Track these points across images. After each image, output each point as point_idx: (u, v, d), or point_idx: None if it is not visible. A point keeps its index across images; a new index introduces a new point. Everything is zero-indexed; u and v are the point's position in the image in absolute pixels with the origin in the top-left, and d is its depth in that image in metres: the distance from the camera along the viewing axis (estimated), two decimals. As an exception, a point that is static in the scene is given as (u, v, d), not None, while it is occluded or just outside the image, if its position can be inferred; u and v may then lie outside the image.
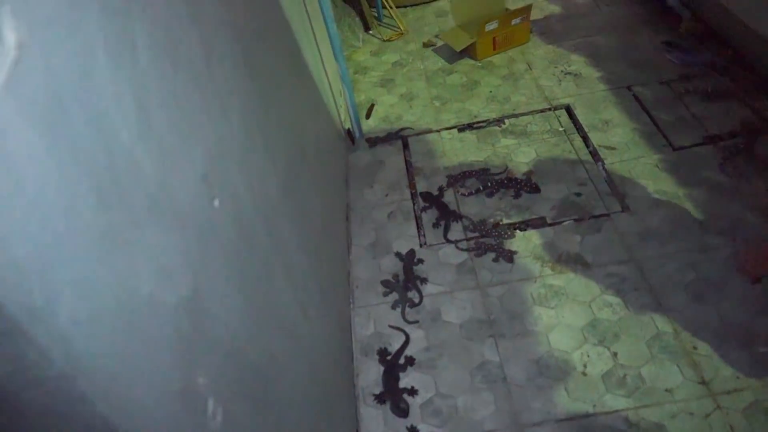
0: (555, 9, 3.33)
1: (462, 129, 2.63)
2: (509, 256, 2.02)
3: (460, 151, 2.51)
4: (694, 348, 1.67)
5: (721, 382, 1.59)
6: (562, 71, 2.85)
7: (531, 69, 2.90)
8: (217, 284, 0.89)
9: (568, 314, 1.82)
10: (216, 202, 0.93)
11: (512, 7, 3.10)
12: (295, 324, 1.30)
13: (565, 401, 1.62)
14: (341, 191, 2.38)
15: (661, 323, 1.75)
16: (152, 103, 0.77)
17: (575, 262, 1.97)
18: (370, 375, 1.78)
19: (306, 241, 1.55)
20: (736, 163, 2.15)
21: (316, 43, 2.37)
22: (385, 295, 1.99)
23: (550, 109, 2.63)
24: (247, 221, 1.07)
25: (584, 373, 1.67)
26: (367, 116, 2.82)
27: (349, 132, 2.68)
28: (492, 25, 2.90)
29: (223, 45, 1.12)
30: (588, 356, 1.71)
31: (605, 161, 2.31)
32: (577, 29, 3.11)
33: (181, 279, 0.77)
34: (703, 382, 1.60)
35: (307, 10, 2.28)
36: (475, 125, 2.63)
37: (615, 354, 1.70)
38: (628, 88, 2.62)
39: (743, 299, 1.76)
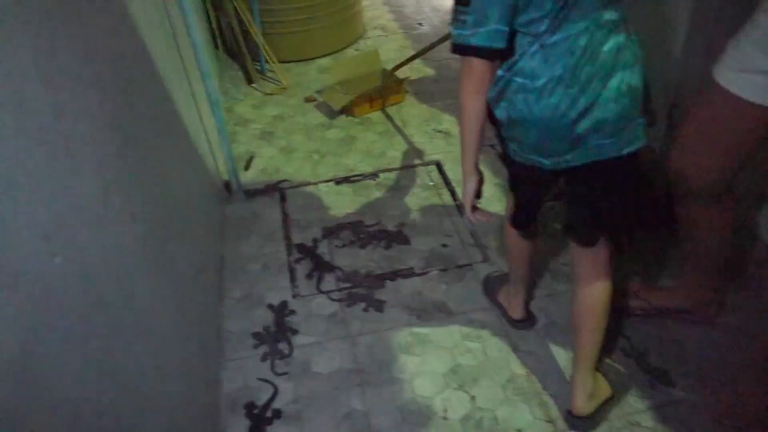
0: (429, 71, 3.56)
1: (339, 182, 2.72)
2: (379, 306, 2.10)
3: (335, 203, 2.60)
4: (544, 388, 1.81)
5: (564, 421, 1.72)
6: (433, 129, 3.04)
7: (405, 126, 3.07)
8: (53, 344, 0.88)
9: (432, 361, 1.91)
10: (57, 260, 0.93)
11: (389, 67, 3.28)
12: (149, 384, 1.28)
13: (427, 446, 1.69)
14: (215, 243, 2.37)
15: (516, 366, 1.88)
16: (-16, 163, 0.77)
17: (440, 310, 2.08)
18: (237, 430, 1.76)
19: (169, 297, 1.54)
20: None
21: (194, 96, 2.39)
22: (256, 347, 1.99)
23: (421, 165, 2.79)
24: (95, 278, 1.06)
25: (445, 418, 1.75)
26: (246, 168, 2.85)
27: (227, 183, 2.69)
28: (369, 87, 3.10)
29: (78, 102, 1.12)
30: (449, 401, 1.80)
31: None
32: (449, 91, 3.34)
33: (7, 340, 0.76)
34: (550, 421, 1.73)
35: (184, 66, 2.30)
36: (351, 179, 2.73)
37: (473, 397, 1.80)
38: (492, 146, 2.83)
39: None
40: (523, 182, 1.58)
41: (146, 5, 1.83)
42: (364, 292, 2.16)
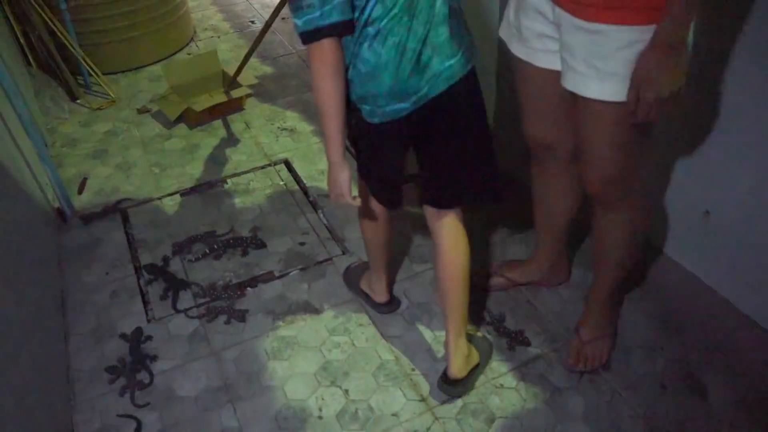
0: (268, 69, 3.50)
1: (185, 194, 2.59)
2: (241, 316, 2.03)
3: (184, 216, 2.47)
4: (413, 369, 1.85)
5: (436, 395, 1.77)
6: (278, 128, 2.98)
7: (249, 128, 2.99)
8: None
9: (302, 362, 1.88)
10: None
11: (228, 69, 3.17)
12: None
13: (306, 449, 1.66)
14: (52, 278, 2.16)
15: (384, 352, 1.90)
16: None
17: (305, 310, 2.05)
18: (100, 475, 1.62)
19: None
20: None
21: (2, 120, 2.16)
22: (111, 382, 1.85)
23: (270, 165, 2.73)
24: None
25: (320, 417, 1.73)
26: (80, 192, 2.63)
27: (59, 210, 2.47)
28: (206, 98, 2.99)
29: None
30: (323, 399, 1.78)
31: (324, 209, 2.46)
32: (290, 87, 3.30)
33: None
34: (422, 399, 1.76)
35: (-16, 87, 2.07)
36: (197, 189, 2.61)
37: (346, 391, 1.79)
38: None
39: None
40: (384, 148, 1.53)
41: None
42: (224, 304, 2.07)
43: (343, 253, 2.26)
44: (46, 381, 1.71)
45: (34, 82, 3.19)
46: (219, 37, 3.89)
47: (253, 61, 3.54)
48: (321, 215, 2.44)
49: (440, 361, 1.85)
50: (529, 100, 1.64)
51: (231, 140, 2.91)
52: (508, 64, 1.70)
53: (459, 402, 1.75)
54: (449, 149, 1.53)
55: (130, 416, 1.74)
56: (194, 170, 2.72)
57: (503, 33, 1.59)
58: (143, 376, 1.86)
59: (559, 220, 1.86)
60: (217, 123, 3.03)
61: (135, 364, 1.88)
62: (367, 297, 2.04)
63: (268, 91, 3.28)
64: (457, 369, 1.72)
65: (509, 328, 1.94)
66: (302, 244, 2.32)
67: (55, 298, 2.09)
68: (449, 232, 1.64)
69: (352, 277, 2.11)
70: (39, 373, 1.67)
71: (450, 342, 1.71)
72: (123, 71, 3.50)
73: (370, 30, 1.30)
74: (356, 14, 1.29)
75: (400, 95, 1.37)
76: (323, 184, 2.55)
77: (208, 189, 2.61)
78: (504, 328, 1.93)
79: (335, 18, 1.23)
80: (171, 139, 2.94)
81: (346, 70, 1.35)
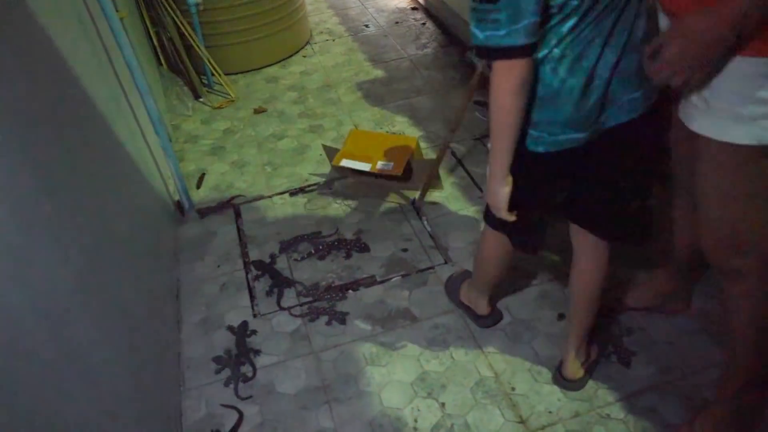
0: (379, 73, 3.53)
1: (294, 193, 2.66)
2: (342, 318, 2.05)
3: (292, 215, 2.54)
4: (512, 389, 1.79)
5: (536, 419, 1.70)
6: (387, 131, 3.00)
7: (357, 129, 3.02)
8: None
9: (399, 370, 1.88)
10: (-29, 315, 0.86)
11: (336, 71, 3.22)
12: (97, 430, 1.22)
13: (399, 459, 1.65)
14: (169, 267, 2.29)
15: (483, 368, 1.85)
16: None
17: (404, 317, 2.05)
18: (203, 461, 1.70)
19: (115, 334, 1.47)
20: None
21: (135, 116, 2.31)
22: (218, 372, 1.93)
23: (377, 169, 2.75)
24: (22, 328, 0.99)
25: (415, 428, 1.72)
26: (198, 186, 2.77)
27: (178, 204, 2.61)
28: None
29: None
30: (418, 410, 1.76)
31: (428, 216, 2.44)
32: (399, 92, 3.31)
33: None
34: (521, 421, 1.70)
35: (121, 85, 2.22)
36: (306, 189, 2.68)
37: (443, 404, 1.77)
38: (446, 145, 2.81)
39: (551, 335, 1.92)
40: (538, 181, 1.40)
41: (69, 26, 1.75)
42: (325, 305, 2.11)
43: (446, 262, 2.23)
44: (160, 366, 1.81)
45: (163, 81, 3.40)
46: (333, 40, 3.97)
47: (365, 64, 3.59)
48: (425, 222, 2.42)
49: (542, 383, 1.78)
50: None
51: (340, 142, 2.95)
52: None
53: (560, 428, 1.67)
54: (612, 182, 1.41)
55: (233, 407, 1.81)
56: (304, 170, 2.79)
57: None
58: (247, 369, 1.92)
59: (685, 249, 1.73)
60: (328, 123, 3.10)
61: (240, 356, 1.95)
62: (467, 309, 2.00)
63: (378, 95, 3.30)
64: (573, 372, 1.75)
65: (620, 351, 1.83)
66: (405, 250, 2.31)
67: (171, 287, 2.21)
68: (594, 254, 1.57)
69: (453, 287, 2.07)
70: (155, 357, 1.77)
71: (569, 351, 1.73)
72: (242, 72, 3.66)
73: (556, 52, 1.18)
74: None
75: (579, 125, 1.25)
76: (430, 190, 2.53)
77: (315, 190, 2.67)
78: (619, 349, 1.83)
79: (521, 40, 1.11)
80: (283, 139, 3.03)
81: None
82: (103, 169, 1.76)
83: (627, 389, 1.75)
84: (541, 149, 1.30)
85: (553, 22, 1.15)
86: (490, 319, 1.97)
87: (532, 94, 1.22)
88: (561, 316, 1.97)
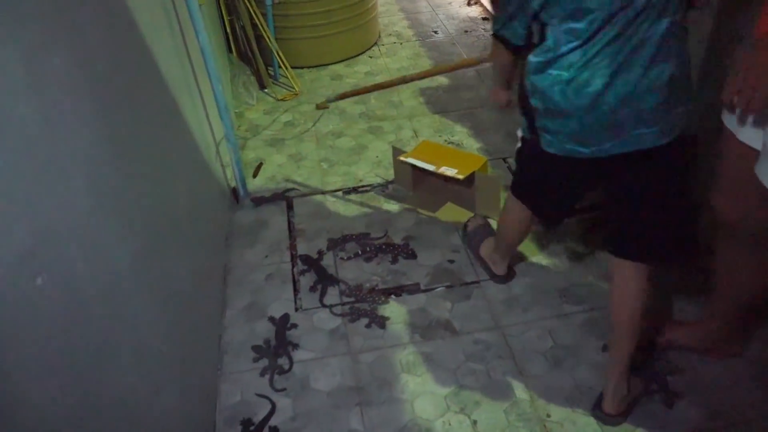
0: (443, 80, 3.52)
1: (347, 192, 2.68)
2: (382, 322, 2.05)
3: (343, 214, 2.56)
4: (548, 415, 1.75)
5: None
6: (445, 140, 2.99)
7: (417, 136, 3.03)
8: (34, 368, 0.85)
9: (434, 382, 1.86)
10: (39, 280, 0.89)
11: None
12: (144, 404, 1.25)
13: (425, 471, 1.64)
14: (220, 251, 2.34)
15: (520, 390, 1.82)
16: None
17: (444, 328, 2.03)
18: (232, 447, 1.72)
19: (166, 309, 1.51)
20: (596, 234, 2.31)
21: (203, 101, 2.37)
22: (255, 360, 1.95)
23: (431, 177, 2.74)
24: (81, 297, 1.03)
25: (445, 442, 1.70)
26: (255, 175, 2.82)
27: (234, 190, 2.66)
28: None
29: (74, 111, 1.09)
30: (450, 424, 1.74)
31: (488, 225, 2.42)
32: (462, 101, 3.30)
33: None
34: (553, 450, 1.67)
35: (193, 70, 2.28)
36: (359, 189, 2.69)
37: (475, 422, 1.74)
38: (504, 159, 2.78)
39: (595, 365, 1.87)
40: (555, 176, 1.60)
41: (151, 8, 1.80)
42: (367, 307, 2.11)
43: (491, 278, 2.21)
44: (203, 348, 1.84)
45: (231, 69, 3.47)
46: (401, 43, 3.99)
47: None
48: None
49: (579, 413, 1.74)
50: (724, 171, 1.49)
51: (399, 146, 2.96)
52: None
53: (595, 463, 1.63)
54: (632, 204, 1.49)
55: (267, 398, 1.83)
56: (359, 171, 2.81)
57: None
58: (284, 361, 1.94)
59: (743, 294, 1.67)
60: (388, 127, 3.11)
61: (278, 348, 1.97)
62: (485, 264, 2.18)
63: (440, 102, 3.30)
64: (614, 408, 1.70)
65: (665, 390, 1.77)
66: (451, 261, 2.29)
67: (219, 271, 2.26)
68: (629, 282, 1.59)
69: (475, 238, 2.25)
70: (198, 338, 1.81)
71: (609, 383, 1.69)
72: (309, 67, 3.71)
73: (565, 75, 1.31)
74: (549, 54, 1.33)
75: (583, 142, 1.37)
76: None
77: (369, 191, 2.68)
78: (663, 387, 1.77)
79: (506, 34, 1.48)
80: (342, 137, 3.06)
81: (533, 92, 1.42)
82: (169, 149, 1.80)
83: (668, 431, 1.69)
84: (552, 150, 1.45)
85: (562, 44, 1.30)
86: (506, 279, 2.16)
87: (545, 106, 1.39)
88: (605, 347, 1.92)
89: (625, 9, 1.21)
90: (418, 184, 2.63)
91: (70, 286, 0.99)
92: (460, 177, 2.33)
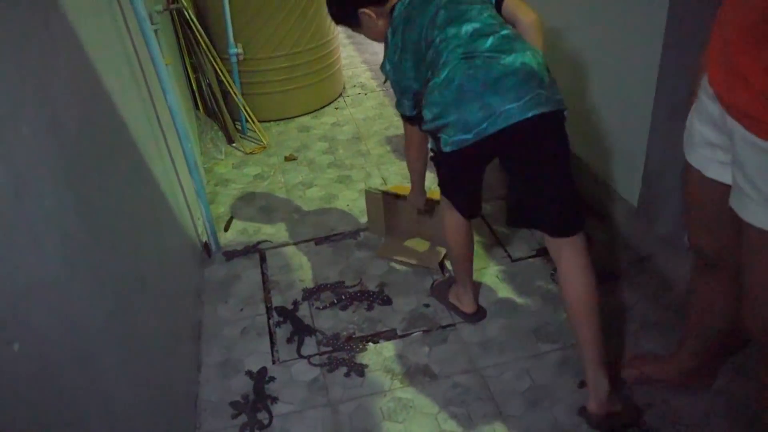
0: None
1: (319, 242, 2.70)
2: (360, 370, 2.04)
3: (316, 264, 2.57)
4: (531, 456, 1.75)
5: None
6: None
7: (386, 183, 3.08)
8: (6, 438, 0.83)
9: (416, 428, 1.85)
10: (16, 346, 0.89)
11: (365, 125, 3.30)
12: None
13: None
14: (193, 308, 2.32)
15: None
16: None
17: (423, 373, 2.03)
18: None
19: (139, 371, 1.48)
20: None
21: (171, 158, 2.38)
22: (234, 417, 1.92)
23: (402, 222, 2.78)
24: (54, 362, 1.02)
25: (430, 490, 1.68)
26: (226, 229, 2.82)
27: (206, 245, 2.66)
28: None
29: (43, 175, 1.10)
30: (434, 471, 1.73)
31: (452, 272, 2.44)
32: (428, 150, 3.36)
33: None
34: (538, 491, 1.66)
35: (162, 129, 2.30)
36: (332, 238, 2.71)
37: (459, 467, 1.73)
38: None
39: (572, 403, 1.88)
40: (459, 170, 1.86)
41: (119, 70, 1.83)
42: (345, 356, 2.10)
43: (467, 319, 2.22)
44: (178, 409, 1.81)
45: (199, 125, 3.51)
46: (366, 94, 4.08)
47: (395, 119, 3.67)
48: (448, 277, 2.42)
49: (561, 452, 1.75)
50: (695, 208, 1.53)
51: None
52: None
53: (578, 501, 1.63)
54: (523, 178, 1.74)
55: (247, 455, 1.79)
56: (330, 220, 2.83)
57: (685, 133, 1.48)
58: (263, 416, 1.91)
59: (715, 325, 1.71)
60: (357, 174, 3.15)
61: (257, 402, 1.94)
62: (456, 308, 2.23)
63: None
64: (597, 406, 1.75)
65: (646, 421, 1.79)
66: (427, 305, 2.31)
67: (193, 328, 2.23)
68: (568, 257, 1.73)
69: (440, 292, 2.32)
70: (172, 397, 1.78)
71: (589, 376, 1.76)
72: (276, 120, 3.77)
73: (436, 80, 1.64)
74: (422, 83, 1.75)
75: (464, 128, 1.60)
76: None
77: (341, 239, 2.70)
78: (640, 420, 1.79)
79: (405, 112, 1.91)
80: (312, 187, 3.09)
81: (423, 108, 1.72)
82: (139, 208, 1.81)
83: (649, 464, 1.71)
84: (448, 149, 1.65)
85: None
86: (476, 316, 2.21)
87: (430, 111, 1.67)
88: (582, 384, 1.94)
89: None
90: (391, 226, 2.67)
91: (43, 353, 0.98)
92: (434, 198, 2.38)
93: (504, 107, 1.55)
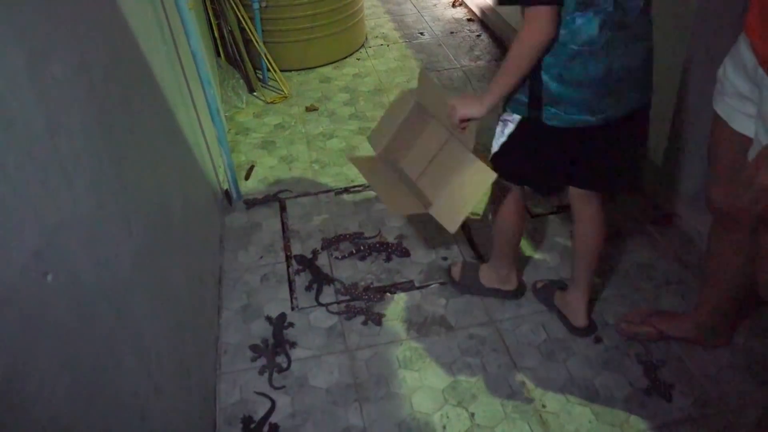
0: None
1: (339, 193, 2.71)
2: (378, 320, 2.08)
3: (335, 214, 2.58)
4: (543, 406, 1.79)
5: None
6: (435, 140, 3.01)
7: (407, 137, 3.05)
8: (42, 364, 0.86)
9: (431, 376, 1.89)
10: (49, 277, 0.91)
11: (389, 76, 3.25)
12: (144, 402, 1.26)
13: (425, 464, 1.67)
14: (214, 254, 2.35)
15: (515, 383, 1.86)
16: (-28, 183, 0.75)
17: (440, 324, 2.06)
18: (233, 445, 1.74)
19: (165, 310, 1.52)
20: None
21: (194, 105, 2.38)
22: (253, 360, 1.97)
23: (422, 176, 2.77)
24: (87, 296, 1.05)
25: (443, 435, 1.73)
26: (246, 178, 2.84)
27: (227, 193, 2.68)
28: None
29: (74, 116, 1.11)
30: (447, 417, 1.77)
31: (471, 227, 2.45)
32: (450, 101, 3.32)
33: (-6, 363, 0.75)
34: (550, 439, 1.70)
35: (185, 74, 2.29)
36: (351, 189, 2.71)
37: (472, 414, 1.77)
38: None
39: (587, 357, 1.91)
40: (550, 148, 1.67)
41: (144, 14, 1.82)
42: (363, 305, 2.13)
43: (485, 274, 2.24)
44: (201, 348, 1.86)
45: (220, 73, 3.49)
46: (388, 45, 4.02)
47: (417, 71, 3.61)
48: (466, 232, 2.43)
49: (573, 404, 1.78)
50: (716, 161, 1.52)
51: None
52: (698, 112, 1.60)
53: (589, 451, 1.66)
54: (607, 155, 1.67)
55: (266, 395, 1.85)
56: (350, 171, 2.83)
57: (717, 84, 1.48)
58: (282, 359, 1.96)
59: (733, 284, 1.71)
60: (377, 128, 3.13)
61: (276, 347, 1.99)
62: (497, 291, 2.12)
63: (429, 103, 3.32)
64: (582, 320, 1.96)
65: (660, 378, 1.81)
66: (445, 258, 2.33)
67: (214, 273, 2.27)
68: (591, 215, 1.81)
69: (469, 281, 2.16)
70: (196, 338, 1.82)
71: (577, 298, 1.95)
72: (297, 70, 3.73)
73: (586, 50, 1.45)
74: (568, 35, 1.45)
75: (592, 111, 1.52)
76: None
77: (361, 191, 2.70)
78: (655, 376, 1.81)
79: None
80: (333, 138, 3.08)
81: (552, 65, 1.49)
82: (164, 152, 1.82)
83: (660, 419, 1.73)
84: (554, 123, 1.56)
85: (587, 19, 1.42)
86: (520, 292, 2.14)
87: (559, 78, 1.49)
88: (598, 339, 1.96)
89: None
90: (392, 149, 1.99)
91: (77, 285, 1.01)
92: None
93: (632, 94, 1.56)
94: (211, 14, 3.40)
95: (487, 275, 2.11)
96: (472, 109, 1.62)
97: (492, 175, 1.64)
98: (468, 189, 1.70)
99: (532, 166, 1.74)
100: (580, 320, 1.97)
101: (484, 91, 1.59)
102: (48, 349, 0.88)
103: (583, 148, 1.65)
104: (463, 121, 1.66)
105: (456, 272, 2.20)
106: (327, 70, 3.74)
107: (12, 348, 0.79)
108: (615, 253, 2.25)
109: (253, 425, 1.77)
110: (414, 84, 3.43)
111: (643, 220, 2.40)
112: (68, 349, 0.94)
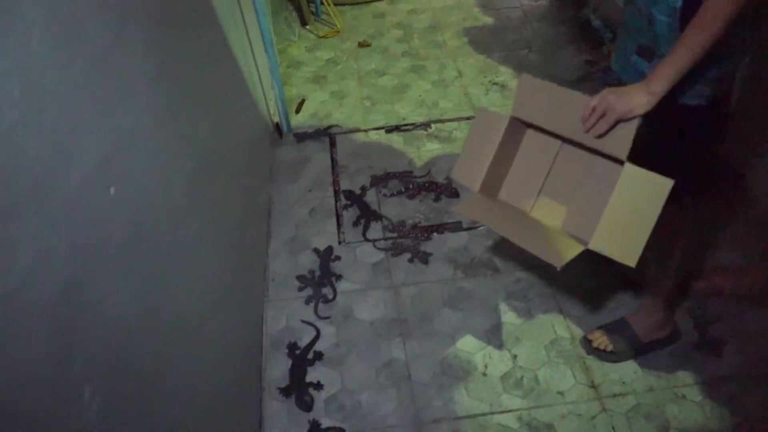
0: (488, 20, 3.42)
1: (389, 130, 2.67)
2: (424, 258, 2.07)
3: (385, 152, 2.55)
4: (588, 354, 1.77)
5: (608, 386, 1.69)
6: (490, 81, 2.93)
7: (461, 76, 2.97)
8: (106, 275, 0.89)
9: (475, 317, 1.89)
10: (112, 190, 0.92)
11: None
12: (199, 320, 1.30)
13: (465, 400, 1.69)
14: (264, 184, 2.37)
15: (560, 329, 1.84)
16: (42, 87, 0.75)
17: (486, 266, 2.05)
18: (278, 369, 1.79)
19: (219, 234, 1.55)
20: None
21: (248, 34, 2.35)
22: (300, 290, 2.00)
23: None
24: (147, 211, 1.06)
25: (485, 374, 1.74)
26: (297, 111, 2.82)
27: (277, 125, 2.68)
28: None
29: (134, 33, 1.10)
30: (490, 357, 1.78)
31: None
32: (507, 42, 3.21)
33: (62, 266, 0.76)
34: (592, 386, 1.69)
35: (239, 4, 2.26)
36: (402, 128, 2.67)
37: (515, 356, 1.78)
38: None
39: (635, 308, 1.87)
40: (685, 134, 1.39)
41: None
42: (410, 243, 2.13)
43: (535, 220, 2.20)
44: (249, 275, 1.90)
45: (273, 4, 3.43)
46: (446, -19, 3.87)
47: (474, 9, 3.49)
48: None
49: (619, 353, 1.76)
50: None
51: (441, 86, 2.92)
52: None
53: (632, 399, 1.65)
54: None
55: (312, 324, 1.89)
56: (402, 109, 2.78)
57: None
58: (328, 291, 1.99)
59: None
60: (431, 65, 3.06)
61: (322, 278, 2.02)
62: (653, 342, 1.75)
63: (485, 42, 3.22)
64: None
65: (711, 334, 1.77)
66: (494, 201, 2.29)
67: (264, 204, 2.29)
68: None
69: (623, 346, 1.74)
70: (245, 265, 1.86)
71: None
72: (351, 4, 3.64)
73: None
74: None
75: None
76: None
77: (411, 130, 2.66)
78: (705, 332, 1.77)
79: None
80: (384, 76, 3.02)
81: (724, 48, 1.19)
82: (219, 78, 1.81)
83: (708, 374, 1.70)
84: (694, 102, 1.30)
85: None
86: (677, 335, 1.77)
87: (716, 51, 1.16)
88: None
89: None
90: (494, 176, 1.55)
91: (138, 200, 1.02)
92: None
93: None
94: (266, -58, 3.32)
95: (641, 324, 1.74)
96: (637, 100, 1.20)
97: (669, 182, 1.24)
98: (640, 206, 1.30)
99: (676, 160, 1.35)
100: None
101: (649, 77, 1.21)
102: (112, 257, 0.90)
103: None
104: (619, 121, 1.24)
105: (600, 343, 1.76)
106: (381, 5, 3.64)
107: (79, 253, 0.81)
108: (676, 208, 2.17)
109: (298, 351, 1.81)
110: (469, 22, 3.32)
111: (712, 177, 2.30)
112: (131, 259, 0.96)
